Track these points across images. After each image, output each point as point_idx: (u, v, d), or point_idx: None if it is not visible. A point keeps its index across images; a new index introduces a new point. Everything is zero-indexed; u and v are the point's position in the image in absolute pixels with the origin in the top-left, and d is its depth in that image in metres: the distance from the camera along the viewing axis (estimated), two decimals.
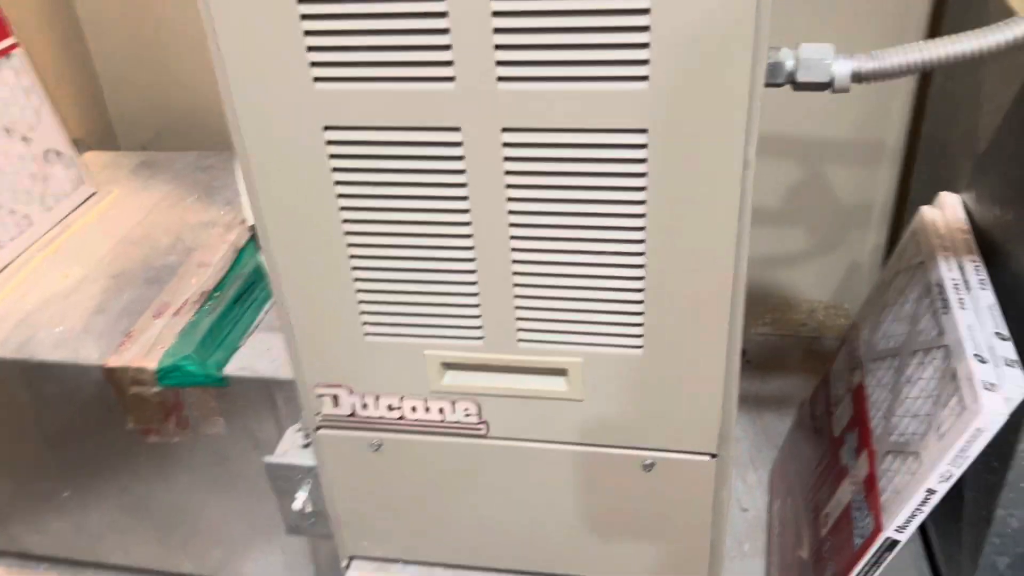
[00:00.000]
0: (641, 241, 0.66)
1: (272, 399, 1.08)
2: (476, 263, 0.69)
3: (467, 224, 0.67)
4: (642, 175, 0.63)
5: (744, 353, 1.70)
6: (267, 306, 1.20)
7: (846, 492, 1.09)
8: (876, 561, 0.97)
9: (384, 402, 0.78)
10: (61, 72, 1.62)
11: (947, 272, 1.02)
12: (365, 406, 0.79)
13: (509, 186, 0.65)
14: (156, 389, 1.11)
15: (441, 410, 0.77)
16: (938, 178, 1.29)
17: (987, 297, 0.99)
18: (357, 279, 0.71)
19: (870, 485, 1.03)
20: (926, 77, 1.40)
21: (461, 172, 0.65)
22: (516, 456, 0.79)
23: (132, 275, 1.26)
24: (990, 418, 0.85)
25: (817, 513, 1.16)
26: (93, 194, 1.47)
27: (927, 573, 1.27)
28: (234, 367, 1.09)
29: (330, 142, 0.65)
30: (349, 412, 0.79)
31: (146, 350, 1.11)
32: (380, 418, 0.79)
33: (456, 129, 0.63)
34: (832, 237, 1.62)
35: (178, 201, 1.44)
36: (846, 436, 1.16)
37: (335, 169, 0.66)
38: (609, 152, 0.62)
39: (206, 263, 1.27)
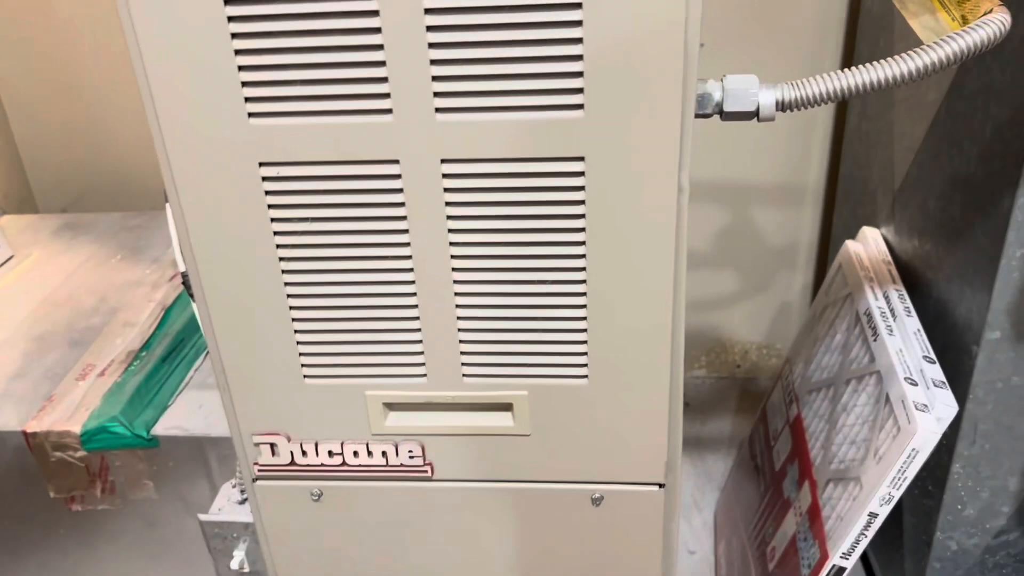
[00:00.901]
0: (582, 269, 0.66)
1: (204, 458, 1.04)
2: (418, 298, 0.68)
3: (408, 258, 0.66)
4: (580, 203, 0.63)
5: None
6: (197, 363, 1.17)
7: (791, 524, 1.10)
8: None
9: (324, 448, 0.76)
10: None
11: (874, 301, 1.06)
12: (304, 453, 0.76)
13: (450, 217, 0.65)
14: (81, 454, 1.06)
15: (384, 453, 0.75)
16: (858, 215, 1.34)
17: (913, 323, 1.02)
18: (295, 319, 0.70)
19: (814, 514, 1.04)
20: (841, 119, 1.47)
21: (400, 205, 0.64)
22: (463, 497, 0.77)
23: (54, 337, 1.21)
24: (924, 437, 0.87)
25: (764, 548, 1.16)
26: (11, 257, 1.42)
27: None
28: (163, 427, 1.05)
29: (266, 178, 0.64)
30: (288, 461, 0.77)
31: (69, 413, 1.07)
32: (320, 465, 0.77)
33: (395, 162, 0.63)
34: (761, 278, 1.66)
35: (103, 261, 1.40)
36: (787, 469, 1.17)
37: (271, 206, 0.65)
38: (548, 180, 0.63)
39: (132, 322, 1.22)
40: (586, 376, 0.71)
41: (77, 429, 1.04)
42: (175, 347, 1.17)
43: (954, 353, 0.98)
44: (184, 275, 0.81)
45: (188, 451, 1.04)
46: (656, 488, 0.76)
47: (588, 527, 0.78)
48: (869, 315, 1.05)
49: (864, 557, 1.33)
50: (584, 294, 0.67)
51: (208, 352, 1.17)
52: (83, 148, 1.66)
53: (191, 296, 0.82)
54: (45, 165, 1.69)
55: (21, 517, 1.12)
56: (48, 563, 1.16)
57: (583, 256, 0.65)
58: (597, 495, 0.76)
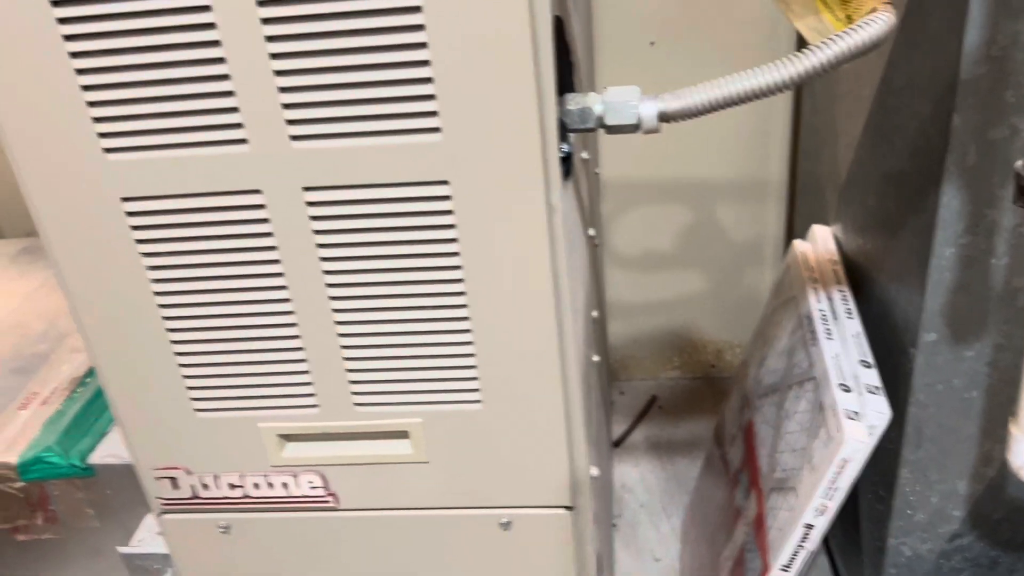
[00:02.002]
0: (462, 293, 0.64)
1: (141, 485, 1.03)
2: (299, 328, 0.67)
3: (283, 288, 0.65)
4: (451, 227, 0.61)
5: (655, 399, 1.69)
6: None
7: (740, 534, 1.07)
8: None
9: (225, 480, 0.74)
10: None
11: (815, 304, 1.03)
12: (206, 486, 0.75)
13: (320, 245, 0.63)
14: (19, 484, 1.05)
15: (285, 484, 0.74)
16: (813, 212, 1.31)
17: (853, 326, 0.99)
18: (178, 353, 0.68)
19: (759, 525, 1.01)
20: (799, 114, 1.44)
21: (269, 235, 0.63)
22: (370, 527, 0.76)
23: None
24: (854, 447, 0.85)
25: (718, 557, 1.14)
26: None
27: None
28: (100, 455, 1.04)
29: (130, 213, 0.62)
30: (190, 495, 0.75)
31: (8, 444, 1.06)
32: (224, 498, 0.75)
33: (257, 191, 0.61)
34: (729, 276, 1.63)
35: (56, 287, 1.39)
36: (740, 476, 1.15)
37: (139, 241, 0.64)
38: (415, 205, 0.61)
39: (79, 348, 1.22)
40: (479, 401, 0.69)
41: (14, 460, 1.04)
42: None
43: (895, 356, 0.95)
44: None
45: (125, 479, 1.04)
46: (564, 511, 0.74)
47: (499, 553, 0.76)
48: (810, 318, 1.02)
49: (832, 561, 1.30)
50: (467, 318, 0.65)
51: None
52: None
53: None
54: (7, 189, 1.69)
55: None
56: None
57: (461, 280, 0.64)
58: (505, 519, 0.74)
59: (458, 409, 0.69)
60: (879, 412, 0.87)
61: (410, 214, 0.61)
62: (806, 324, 1.02)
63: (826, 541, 1.32)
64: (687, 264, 1.63)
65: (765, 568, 0.95)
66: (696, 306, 1.68)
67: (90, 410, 1.10)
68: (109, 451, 1.05)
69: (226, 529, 0.77)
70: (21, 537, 1.11)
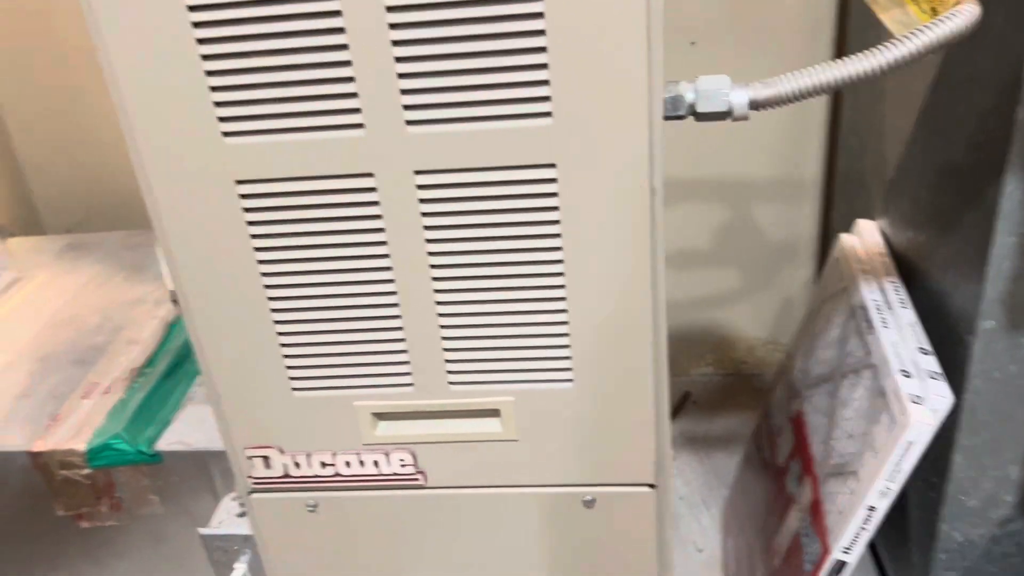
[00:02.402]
0: (560, 274, 0.66)
1: (208, 472, 1.06)
2: (400, 308, 0.69)
3: (388, 269, 0.67)
4: (554, 208, 0.64)
5: (689, 395, 1.71)
6: (200, 378, 1.18)
7: (794, 520, 1.09)
8: None
9: (317, 459, 0.76)
10: None
11: (868, 294, 1.05)
12: (298, 465, 0.77)
13: (427, 227, 0.65)
14: (87, 471, 1.07)
15: (376, 463, 0.76)
16: (855, 209, 1.34)
17: (908, 315, 1.02)
18: (280, 333, 0.70)
19: (815, 510, 1.03)
20: (836, 113, 1.46)
21: (378, 217, 0.65)
22: (456, 504, 0.78)
23: (59, 358, 1.23)
24: (919, 430, 0.87)
25: (769, 545, 1.16)
26: (17, 280, 1.44)
27: None
28: (166, 442, 1.06)
29: (243, 195, 0.65)
30: (281, 473, 0.77)
31: (74, 432, 1.08)
32: (314, 476, 0.77)
33: (369, 175, 0.63)
34: (763, 274, 1.66)
35: (106, 281, 1.41)
36: (790, 465, 1.17)
37: (250, 223, 0.66)
38: (521, 188, 0.63)
39: (135, 340, 1.24)
40: (571, 380, 0.71)
41: (82, 447, 1.06)
42: (178, 362, 1.19)
43: (950, 344, 0.98)
44: (173, 292, 0.82)
45: (191, 465, 1.06)
46: (647, 488, 0.76)
47: (582, 530, 0.78)
48: (864, 308, 1.04)
49: (873, 550, 1.32)
50: (564, 299, 0.68)
51: None
52: (87, 168, 1.69)
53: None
54: (50, 187, 1.72)
55: (31, 536, 1.14)
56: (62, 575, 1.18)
57: (560, 261, 0.66)
58: (589, 497, 0.77)
59: (549, 388, 0.72)
60: (941, 396, 0.90)
61: (516, 196, 0.64)
62: (860, 314, 1.05)
63: (873, 547, 1.34)
64: (721, 262, 1.66)
65: (825, 551, 0.98)
66: (729, 304, 1.70)
67: (153, 399, 1.12)
68: (175, 438, 1.07)
69: (314, 508, 0.80)
70: (85, 524, 1.12)
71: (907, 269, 1.10)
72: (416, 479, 0.77)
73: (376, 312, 0.69)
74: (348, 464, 0.77)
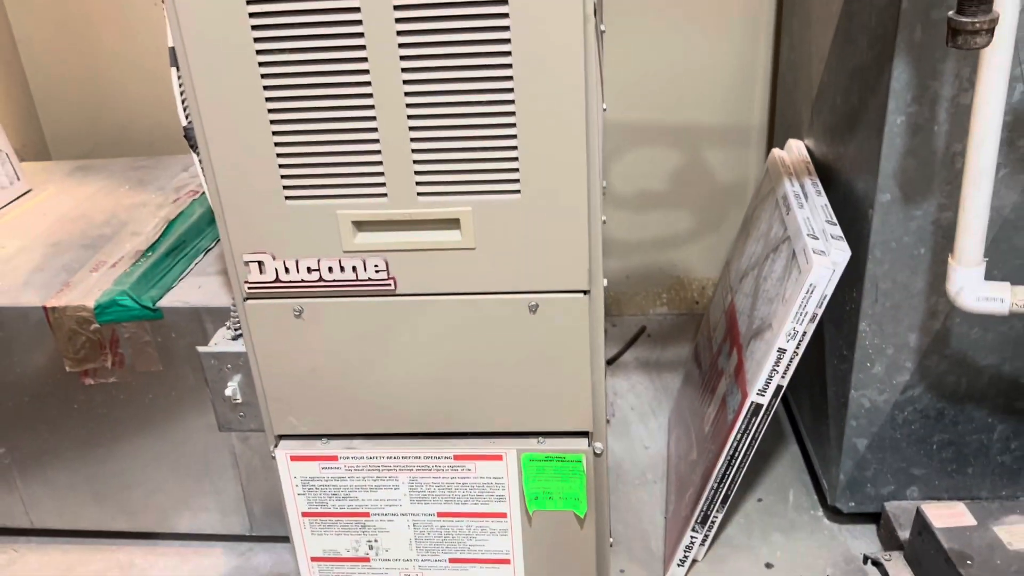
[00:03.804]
0: (511, 101, 0.81)
1: (204, 329, 1.18)
2: (378, 124, 0.83)
3: (368, 96, 0.82)
4: (506, 41, 0.78)
5: (644, 329, 1.85)
6: (198, 259, 1.31)
7: (722, 387, 1.23)
8: (746, 428, 1.11)
9: (304, 264, 0.90)
10: None
11: (790, 187, 1.21)
12: (287, 270, 0.90)
13: (403, 57, 0.80)
14: (94, 326, 1.20)
15: (354, 268, 0.90)
16: (789, 136, 1.50)
17: (821, 200, 1.17)
18: (278, 143, 0.84)
19: (739, 370, 1.18)
20: (776, 63, 1.63)
21: (362, 48, 0.80)
22: (421, 309, 0.91)
23: (69, 243, 1.36)
24: (820, 274, 1.02)
25: (702, 417, 1.30)
26: (29, 191, 1.57)
27: (807, 480, 1.41)
28: (167, 301, 1.19)
29: (253, 14, 0.79)
30: (273, 278, 0.91)
31: (84, 294, 1.21)
32: (301, 282, 0.91)
33: (356, 9, 0.78)
34: (714, 217, 1.81)
35: (112, 190, 1.55)
36: (722, 347, 1.31)
37: (260, 52, 0.80)
38: (479, 22, 0.78)
39: (139, 232, 1.37)
40: (519, 191, 0.85)
41: (91, 303, 1.19)
42: (178, 246, 1.32)
43: (856, 222, 1.13)
44: (186, 129, 0.96)
45: (189, 323, 1.18)
46: (581, 295, 0.90)
47: (528, 333, 0.92)
48: (785, 196, 1.19)
49: (800, 441, 1.46)
50: (514, 122, 0.82)
51: (207, 250, 1.32)
52: (94, 104, 1.82)
53: (193, 149, 0.97)
54: (59, 120, 1.85)
55: (40, 393, 1.26)
56: (64, 440, 1.29)
57: (511, 90, 0.80)
58: (533, 303, 0.90)
59: (501, 199, 0.86)
60: (841, 251, 1.05)
61: (474, 29, 0.78)
62: (782, 202, 1.20)
63: (797, 430, 1.48)
64: (675, 204, 1.81)
65: (744, 397, 1.11)
66: (682, 245, 1.85)
67: (157, 269, 1.25)
68: (176, 298, 1.20)
69: (299, 313, 0.93)
70: (89, 381, 1.24)
71: (825, 173, 1.26)
72: (388, 284, 0.91)
73: (358, 126, 0.83)
74: (331, 269, 0.90)
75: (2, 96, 1.74)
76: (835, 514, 1.31)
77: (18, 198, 1.54)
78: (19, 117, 1.80)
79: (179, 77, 0.96)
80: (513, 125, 0.82)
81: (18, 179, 1.56)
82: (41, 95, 1.83)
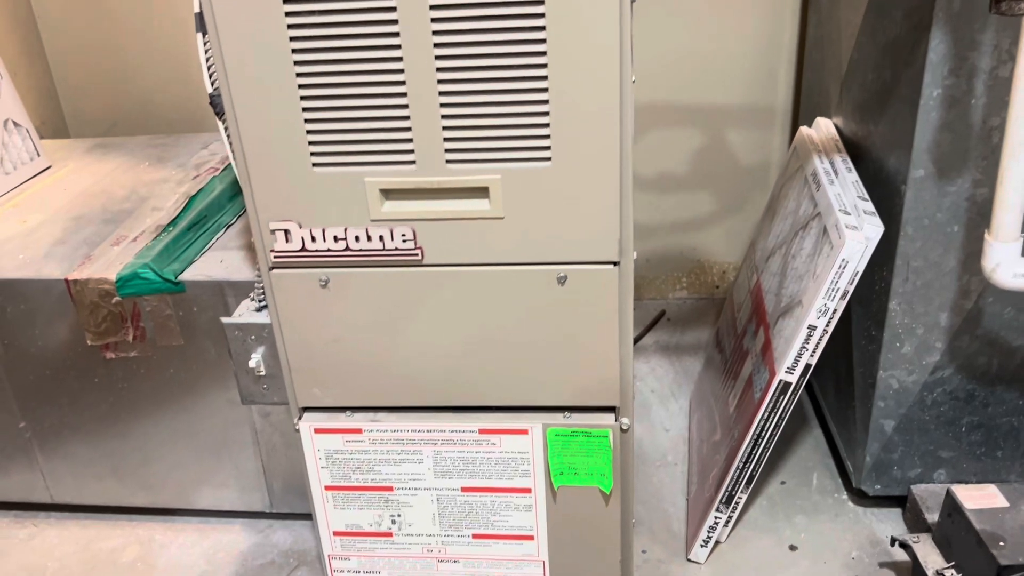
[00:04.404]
0: (543, 65, 0.79)
1: (225, 303, 1.18)
2: (407, 90, 0.82)
3: (399, 60, 0.80)
4: (540, 2, 0.77)
5: (663, 313, 1.84)
6: (219, 234, 1.30)
7: (747, 367, 1.22)
8: (773, 406, 1.09)
9: (330, 233, 0.89)
10: (17, 69, 1.73)
11: (820, 164, 1.19)
12: (313, 239, 0.89)
13: (433, 20, 0.78)
14: (116, 299, 1.19)
15: (381, 238, 0.88)
16: (817, 115, 1.48)
17: (852, 176, 1.15)
18: (305, 109, 0.83)
19: (766, 348, 1.16)
20: (803, 43, 1.61)
21: (392, 10, 0.78)
22: (448, 280, 0.90)
23: (90, 217, 1.35)
24: (853, 248, 1.00)
25: (726, 399, 1.28)
26: (48, 167, 1.57)
27: (831, 463, 1.39)
28: (188, 274, 1.19)
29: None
30: (299, 247, 0.90)
31: (106, 267, 1.20)
32: (327, 251, 0.90)
33: None
34: (735, 200, 1.79)
35: (132, 167, 1.54)
36: (747, 328, 1.29)
37: (286, 1, 0.79)
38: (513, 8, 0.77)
39: (160, 208, 1.36)
40: (549, 159, 0.84)
41: (113, 276, 1.18)
42: (199, 221, 1.31)
43: (888, 199, 1.11)
44: (212, 96, 0.95)
45: (210, 296, 1.18)
46: (611, 266, 0.88)
47: (556, 305, 0.90)
48: (815, 174, 1.18)
49: (823, 424, 1.44)
50: (546, 88, 0.80)
51: (228, 225, 1.31)
52: (114, 83, 1.82)
53: (219, 116, 0.96)
54: (79, 98, 1.85)
55: (61, 367, 1.25)
56: (84, 414, 1.29)
57: (543, 53, 0.79)
58: (562, 275, 0.89)
59: (531, 167, 0.84)
60: (875, 226, 1.03)
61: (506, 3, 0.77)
62: (811, 179, 1.18)
63: (820, 414, 1.46)
64: (696, 187, 1.79)
65: (772, 375, 1.10)
66: (703, 229, 1.84)
67: (178, 243, 1.25)
68: (197, 271, 1.19)
69: (325, 283, 0.92)
70: (110, 355, 1.24)
71: (854, 151, 1.24)
72: (415, 254, 0.89)
73: (388, 91, 0.82)
74: (357, 239, 0.89)
75: (22, 74, 1.74)
76: (860, 497, 1.29)
77: (38, 174, 1.53)
78: (39, 95, 1.79)
79: (206, 43, 0.96)
80: (545, 90, 0.81)
81: (38, 155, 1.56)
82: (60, 73, 1.82)
